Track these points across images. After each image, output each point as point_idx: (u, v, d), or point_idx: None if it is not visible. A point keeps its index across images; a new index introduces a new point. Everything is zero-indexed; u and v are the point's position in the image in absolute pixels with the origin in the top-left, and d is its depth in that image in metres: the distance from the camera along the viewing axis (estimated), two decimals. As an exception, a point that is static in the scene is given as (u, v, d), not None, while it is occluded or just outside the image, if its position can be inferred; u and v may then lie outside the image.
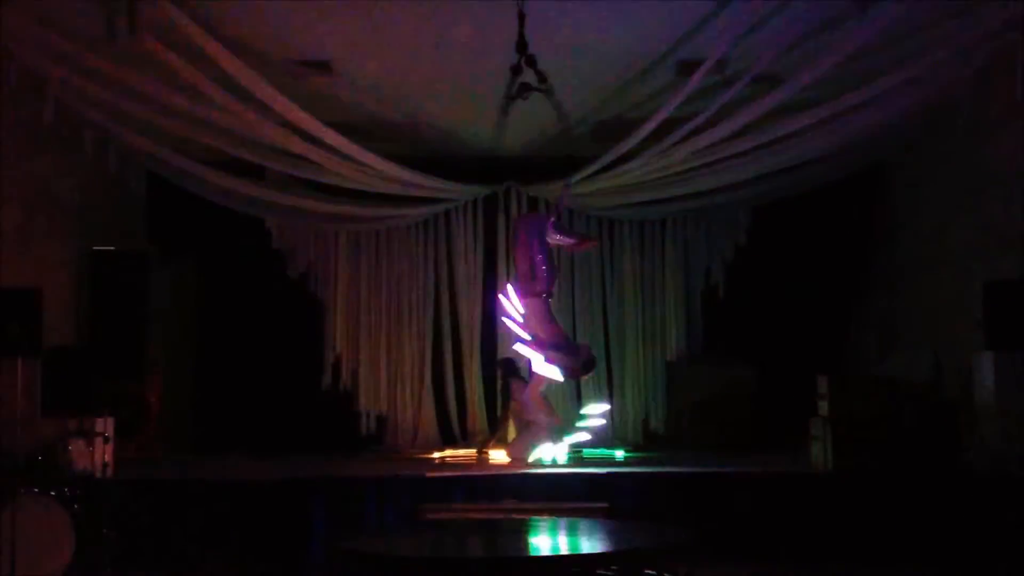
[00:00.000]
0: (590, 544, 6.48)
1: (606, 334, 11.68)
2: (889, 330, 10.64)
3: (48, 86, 8.41)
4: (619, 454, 9.97)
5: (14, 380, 6.29)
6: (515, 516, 7.40)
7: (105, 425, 7.56)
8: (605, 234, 11.76)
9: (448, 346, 11.60)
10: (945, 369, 8.98)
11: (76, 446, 7.08)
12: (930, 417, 8.35)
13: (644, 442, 11.23)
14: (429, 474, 8.25)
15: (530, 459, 9.25)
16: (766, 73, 8.27)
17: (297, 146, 9.29)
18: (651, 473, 8.11)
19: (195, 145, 9.56)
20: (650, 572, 6.46)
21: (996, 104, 8.36)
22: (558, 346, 9.23)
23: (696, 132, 9.04)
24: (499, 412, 10.63)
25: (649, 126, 9.02)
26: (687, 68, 8.45)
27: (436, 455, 10.04)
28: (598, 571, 6.13)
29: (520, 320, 9.32)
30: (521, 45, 7.26)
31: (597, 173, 10.25)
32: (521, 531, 6.75)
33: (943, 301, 9.38)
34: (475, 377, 11.46)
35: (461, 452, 10.31)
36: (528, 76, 7.42)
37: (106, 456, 7.48)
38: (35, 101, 8.42)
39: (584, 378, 10.48)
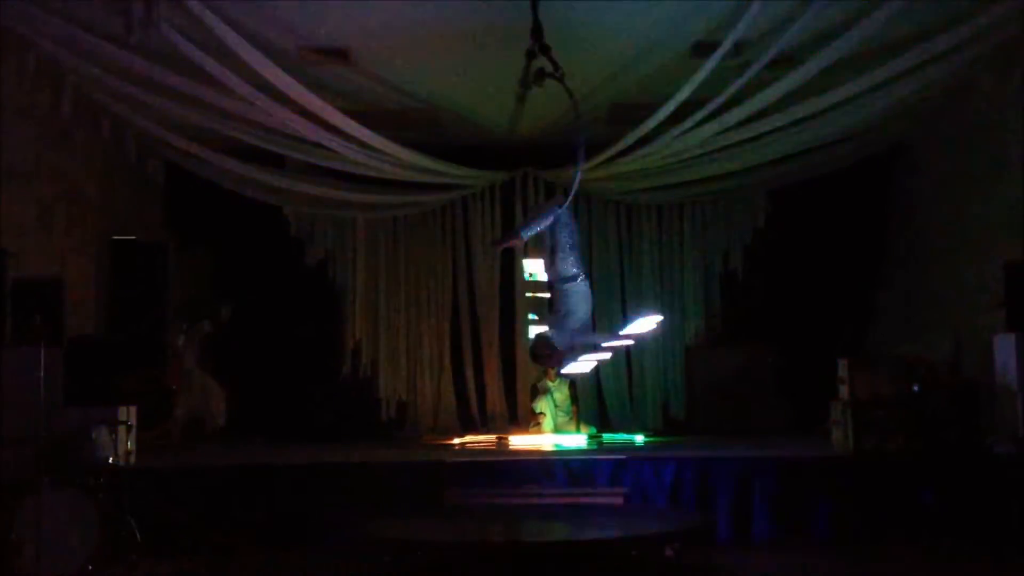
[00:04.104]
0: (609, 529, 6.51)
1: (624, 319, 11.66)
2: (909, 312, 10.59)
3: (67, 77, 8.46)
4: (639, 439, 9.98)
5: (37, 369, 6.33)
6: (535, 501, 7.42)
7: (128, 413, 7.61)
8: (623, 219, 11.77)
9: (467, 332, 11.62)
10: (966, 350, 8.93)
11: (99, 435, 7.12)
12: (951, 399, 8.32)
13: (664, 427, 11.24)
14: (449, 460, 8.28)
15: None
16: (783, 55, 8.23)
17: (315, 134, 9.31)
18: (671, 458, 8.09)
19: (213, 134, 9.59)
20: (668, 556, 6.49)
21: (1014, 84, 8.30)
22: None
23: (713, 115, 9.01)
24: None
25: (666, 110, 8.99)
26: (704, 50, 8.42)
27: (456, 441, 10.07)
28: (618, 555, 6.16)
29: None
30: (536, 30, 7.24)
31: (614, 158, 10.22)
32: (541, 516, 6.78)
33: (963, 282, 9.32)
34: (494, 363, 11.49)
35: (481, 438, 10.34)
36: (544, 63, 7.39)
37: (129, 444, 7.54)
38: (54, 92, 8.48)
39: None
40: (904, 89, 8.74)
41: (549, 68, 7.32)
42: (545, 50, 7.28)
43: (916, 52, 8.08)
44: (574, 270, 7.44)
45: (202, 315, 10.57)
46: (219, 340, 10.76)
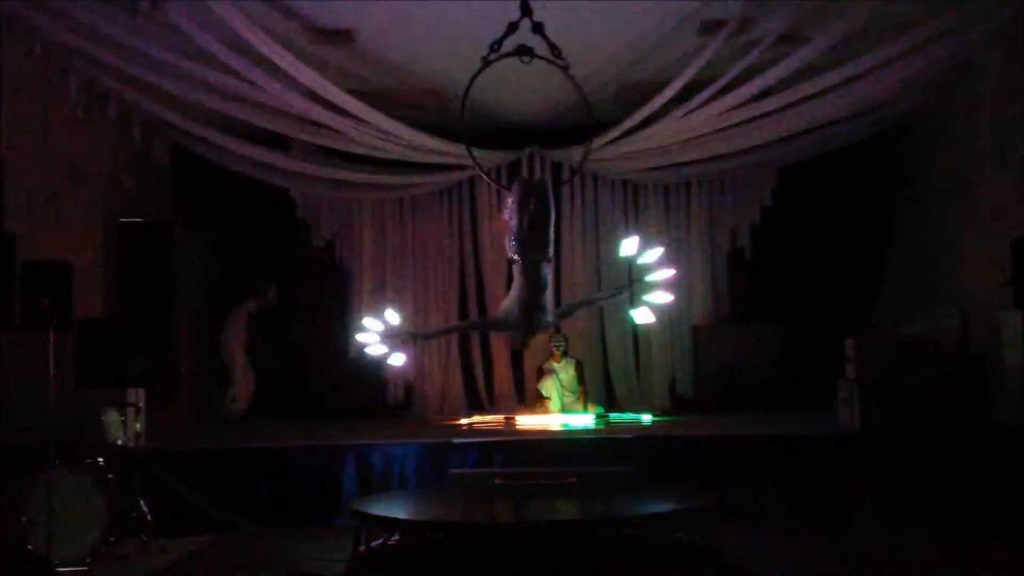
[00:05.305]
0: (617, 508, 6.52)
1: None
2: (916, 289, 10.58)
3: (73, 60, 8.45)
4: (646, 418, 9.98)
5: (47, 353, 6.35)
6: (541, 481, 7.44)
7: (137, 396, 7.65)
8: (629, 198, 11.75)
9: (474, 313, 11.62)
10: (973, 328, 8.92)
11: (109, 417, 7.16)
12: (958, 376, 8.32)
13: (671, 406, 11.25)
14: (456, 440, 8.31)
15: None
16: (789, 33, 8.19)
17: (320, 115, 9.30)
18: (678, 437, 8.11)
19: (219, 116, 9.59)
20: (676, 535, 6.50)
21: (1022, 59, 8.25)
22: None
23: (720, 94, 8.98)
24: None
25: (672, 89, 8.96)
26: (710, 29, 8.38)
27: (464, 421, 10.09)
28: (626, 534, 6.17)
29: None
30: (524, 4, 7.13)
31: (620, 137, 10.20)
32: (547, 495, 6.80)
33: (970, 259, 9.30)
34: (501, 344, 11.50)
35: (489, 418, 10.36)
36: (527, 39, 7.23)
37: (138, 426, 7.58)
38: (60, 75, 8.47)
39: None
40: (912, 65, 8.70)
41: (546, 52, 7.18)
42: (540, 29, 7.14)
43: (924, 28, 8.03)
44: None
45: (245, 296, 10.77)
46: (266, 320, 10.91)
